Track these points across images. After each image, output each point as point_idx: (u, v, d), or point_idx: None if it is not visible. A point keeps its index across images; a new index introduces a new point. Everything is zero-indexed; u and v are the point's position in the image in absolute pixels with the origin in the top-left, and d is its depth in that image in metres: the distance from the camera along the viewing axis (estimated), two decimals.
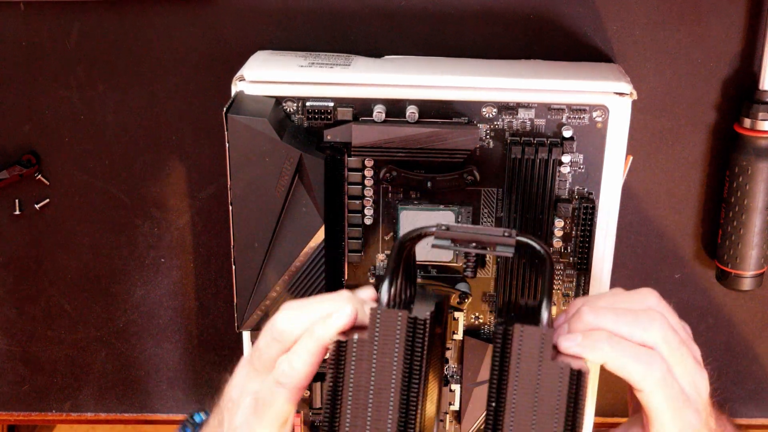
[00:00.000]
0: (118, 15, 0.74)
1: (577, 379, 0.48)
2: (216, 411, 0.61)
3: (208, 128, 0.77)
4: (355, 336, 0.48)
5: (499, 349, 0.48)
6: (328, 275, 0.67)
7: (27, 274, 0.82)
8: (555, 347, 0.50)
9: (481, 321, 0.71)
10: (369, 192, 0.67)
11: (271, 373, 0.53)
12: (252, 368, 0.55)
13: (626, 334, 0.51)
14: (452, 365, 0.71)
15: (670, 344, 0.51)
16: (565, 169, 0.67)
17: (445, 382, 0.70)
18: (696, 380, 0.53)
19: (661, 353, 0.51)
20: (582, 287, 0.70)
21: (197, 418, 0.75)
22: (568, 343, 0.50)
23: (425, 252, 0.66)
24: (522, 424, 0.47)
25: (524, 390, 0.47)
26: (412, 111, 0.65)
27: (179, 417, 0.86)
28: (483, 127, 0.66)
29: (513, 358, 0.47)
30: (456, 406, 0.72)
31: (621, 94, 0.65)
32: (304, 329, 0.52)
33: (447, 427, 0.72)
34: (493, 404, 0.47)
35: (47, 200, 0.79)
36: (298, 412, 0.72)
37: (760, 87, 0.73)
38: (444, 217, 0.67)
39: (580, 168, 0.67)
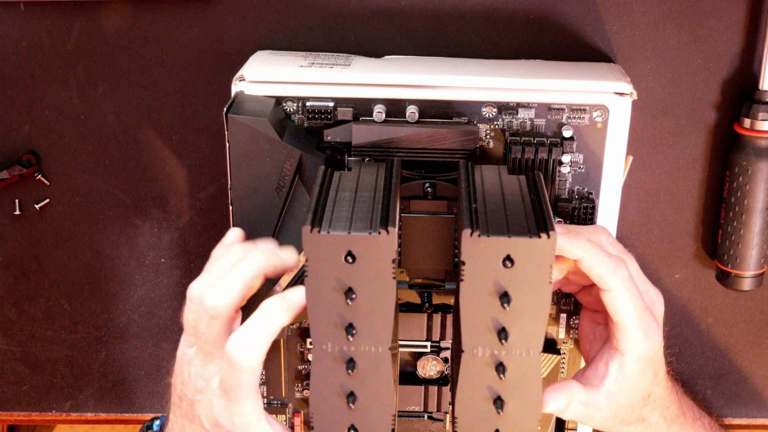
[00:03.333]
0: (118, 15, 0.74)
1: (534, 181, 0.56)
2: (174, 414, 0.61)
3: (208, 128, 0.77)
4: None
5: (465, 170, 0.58)
6: None
7: (27, 274, 0.82)
8: None
9: None
10: None
11: (221, 357, 0.54)
12: (203, 353, 0.56)
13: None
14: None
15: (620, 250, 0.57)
16: (565, 169, 0.67)
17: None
18: (651, 295, 0.58)
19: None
20: None
21: (156, 427, 0.75)
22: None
23: None
24: (496, 219, 0.51)
25: (492, 196, 0.54)
26: (412, 111, 0.65)
27: None
28: (483, 127, 0.66)
29: (477, 178, 0.57)
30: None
31: (621, 94, 0.65)
32: (235, 298, 0.54)
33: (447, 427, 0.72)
34: (473, 205, 0.53)
35: (47, 200, 0.79)
36: (297, 411, 0.72)
37: (760, 87, 0.73)
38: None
39: (580, 168, 0.67)
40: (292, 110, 0.66)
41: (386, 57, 0.73)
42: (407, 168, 0.65)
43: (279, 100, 0.66)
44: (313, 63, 0.69)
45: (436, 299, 0.66)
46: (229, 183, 0.64)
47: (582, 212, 0.67)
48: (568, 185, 0.67)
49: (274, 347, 0.68)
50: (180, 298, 0.83)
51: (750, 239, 0.75)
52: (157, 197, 0.79)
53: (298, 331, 0.70)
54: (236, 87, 0.65)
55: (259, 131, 0.62)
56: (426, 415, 0.71)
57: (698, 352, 0.83)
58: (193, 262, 0.81)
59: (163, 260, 0.82)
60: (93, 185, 0.79)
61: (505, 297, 0.50)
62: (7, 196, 0.79)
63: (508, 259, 0.50)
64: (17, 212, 0.80)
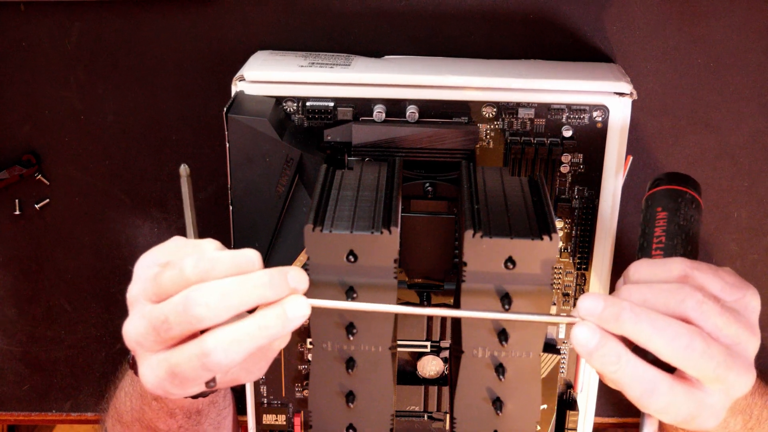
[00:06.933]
0: (118, 15, 0.74)
1: (536, 184, 0.56)
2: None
3: (208, 128, 0.77)
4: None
5: (467, 171, 0.58)
6: None
7: (27, 274, 0.82)
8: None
9: None
10: None
11: (194, 352, 0.47)
12: (157, 336, 0.48)
13: (661, 308, 0.48)
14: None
15: (706, 315, 0.48)
16: (565, 169, 0.67)
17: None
18: (742, 341, 0.49)
19: (699, 324, 0.48)
20: (582, 287, 0.70)
21: None
22: (587, 309, 0.47)
23: None
24: (498, 221, 0.52)
25: (494, 197, 0.55)
26: (412, 111, 0.65)
27: None
28: (483, 127, 0.66)
29: (479, 179, 0.58)
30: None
31: (621, 94, 0.65)
32: (229, 315, 0.47)
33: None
34: (476, 206, 0.53)
35: (47, 200, 0.79)
36: (297, 411, 0.72)
37: None
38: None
39: (580, 168, 0.67)
40: (292, 110, 0.66)
41: (386, 57, 0.73)
42: (407, 168, 0.65)
43: (279, 100, 0.66)
44: (313, 63, 0.69)
45: (436, 299, 0.66)
46: (229, 183, 0.64)
47: (582, 212, 0.67)
48: (568, 185, 0.67)
49: None
50: None
51: None
52: (157, 197, 0.79)
53: (298, 330, 0.70)
54: (236, 87, 0.65)
55: (259, 131, 0.62)
56: (426, 415, 0.71)
57: None
58: None
59: None
60: (93, 185, 0.79)
61: (506, 298, 0.50)
62: (7, 196, 0.79)
63: (510, 261, 0.50)
64: (17, 212, 0.80)
